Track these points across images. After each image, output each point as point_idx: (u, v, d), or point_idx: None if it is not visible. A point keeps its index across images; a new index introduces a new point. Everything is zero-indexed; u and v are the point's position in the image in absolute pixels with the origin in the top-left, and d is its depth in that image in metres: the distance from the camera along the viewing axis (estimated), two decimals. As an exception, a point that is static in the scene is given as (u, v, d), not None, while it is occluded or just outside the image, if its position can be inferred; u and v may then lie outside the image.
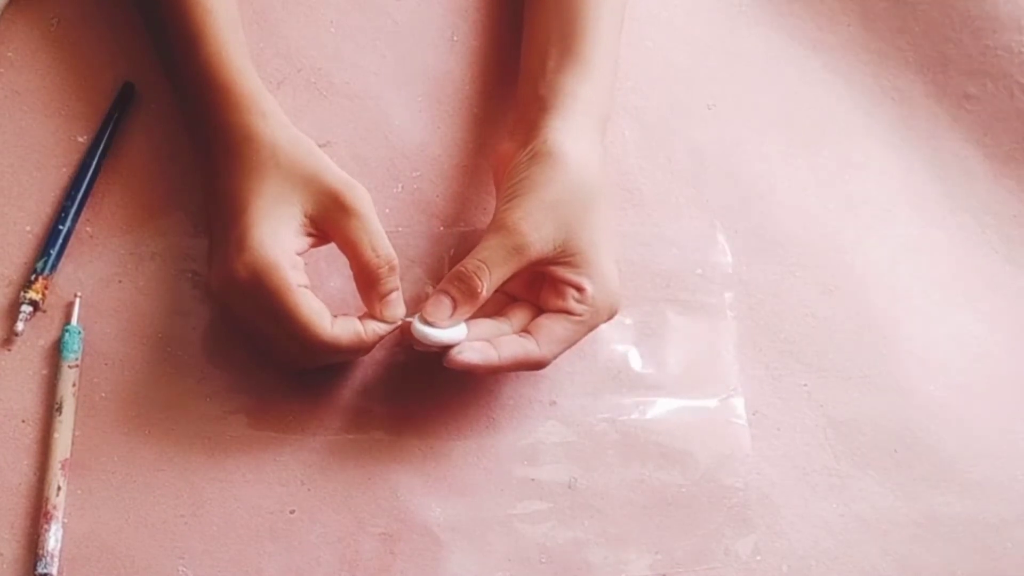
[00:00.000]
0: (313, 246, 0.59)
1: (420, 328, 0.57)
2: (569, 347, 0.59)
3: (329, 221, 0.57)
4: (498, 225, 0.58)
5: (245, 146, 0.58)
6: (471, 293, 0.57)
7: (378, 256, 0.57)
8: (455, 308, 0.58)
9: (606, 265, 0.59)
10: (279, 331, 0.56)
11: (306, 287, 0.56)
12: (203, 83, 0.60)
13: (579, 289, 0.58)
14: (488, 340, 0.58)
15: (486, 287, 0.57)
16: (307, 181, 0.58)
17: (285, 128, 0.59)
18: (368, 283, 0.58)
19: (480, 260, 0.57)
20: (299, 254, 0.57)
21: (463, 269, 0.58)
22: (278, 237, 0.56)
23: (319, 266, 0.63)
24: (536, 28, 0.67)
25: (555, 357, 0.59)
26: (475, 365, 0.57)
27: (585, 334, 0.59)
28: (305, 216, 0.57)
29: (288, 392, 0.61)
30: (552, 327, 0.58)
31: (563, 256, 0.58)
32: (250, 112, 0.59)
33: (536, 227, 0.57)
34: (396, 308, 0.58)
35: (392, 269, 0.58)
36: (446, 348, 0.57)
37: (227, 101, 0.59)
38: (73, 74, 0.66)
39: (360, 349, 0.58)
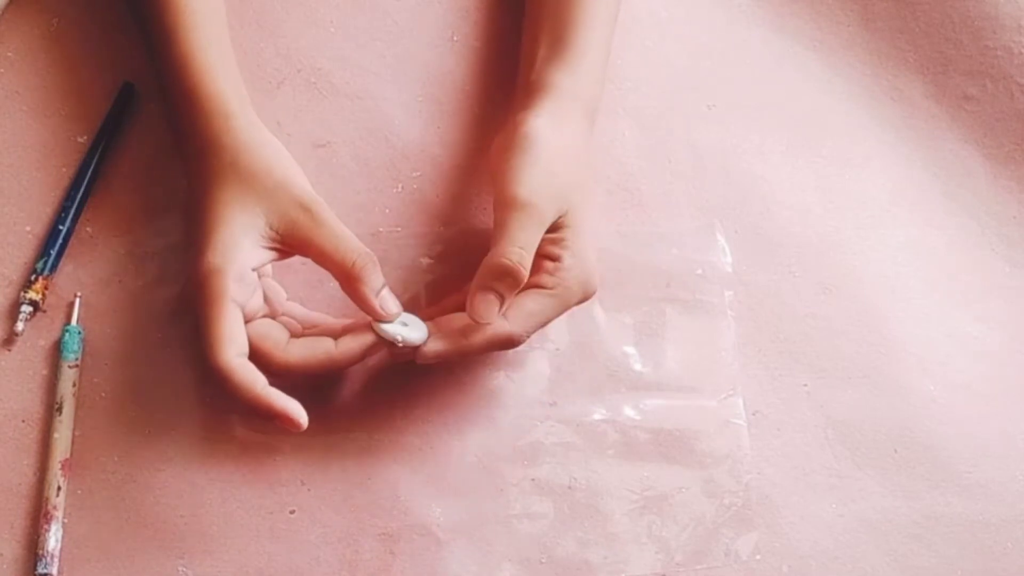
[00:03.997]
0: (276, 260, 0.57)
1: (385, 329, 0.56)
2: (543, 323, 0.58)
3: (297, 234, 0.56)
4: (511, 203, 0.56)
5: (207, 152, 0.58)
6: (516, 285, 0.56)
7: (357, 253, 0.56)
8: (502, 303, 0.56)
9: (586, 244, 0.59)
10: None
11: (242, 307, 0.54)
12: (172, 86, 0.60)
13: (554, 260, 0.58)
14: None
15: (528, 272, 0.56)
16: (271, 191, 0.56)
17: (249, 130, 0.58)
18: (357, 282, 0.56)
19: (519, 247, 0.55)
20: (255, 268, 0.56)
21: (507, 262, 0.55)
22: (234, 244, 0.55)
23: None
24: (531, 23, 0.67)
25: (528, 334, 0.58)
26: (447, 352, 0.56)
27: (558, 310, 0.58)
28: (269, 228, 0.56)
29: (288, 392, 0.61)
30: (523, 302, 0.57)
31: (555, 225, 0.58)
32: (214, 116, 0.58)
33: (546, 197, 0.57)
34: (391, 303, 0.57)
35: (375, 263, 0.56)
36: (415, 348, 0.57)
37: (193, 105, 0.59)
38: (73, 74, 0.66)
39: (252, 401, 0.54)
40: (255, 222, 0.56)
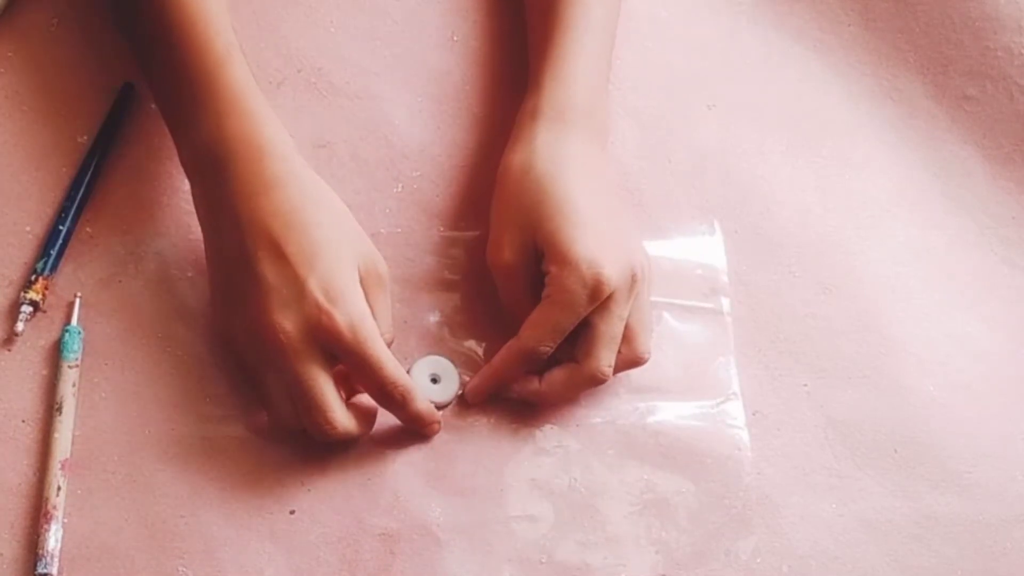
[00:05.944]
0: None
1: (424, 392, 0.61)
2: (555, 328, 0.59)
3: (365, 282, 0.58)
4: (492, 264, 0.62)
5: (279, 185, 0.57)
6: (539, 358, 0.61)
7: (388, 328, 0.59)
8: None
9: (576, 244, 0.59)
10: (324, 390, 0.56)
11: None
12: (233, 106, 0.59)
13: (546, 273, 0.60)
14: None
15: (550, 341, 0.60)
16: (357, 236, 0.59)
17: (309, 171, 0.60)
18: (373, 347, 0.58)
19: (531, 333, 0.60)
20: None
21: (523, 347, 0.60)
22: (358, 286, 0.57)
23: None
24: (528, 38, 0.69)
25: (543, 341, 0.59)
26: (482, 386, 0.62)
27: (565, 313, 0.59)
28: (357, 270, 0.57)
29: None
30: (533, 315, 0.60)
31: (540, 248, 0.60)
32: (282, 157, 0.58)
33: (510, 247, 0.61)
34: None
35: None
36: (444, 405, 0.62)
37: (254, 128, 0.58)
38: (73, 74, 0.66)
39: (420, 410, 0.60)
40: (354, 262, 0.58)
